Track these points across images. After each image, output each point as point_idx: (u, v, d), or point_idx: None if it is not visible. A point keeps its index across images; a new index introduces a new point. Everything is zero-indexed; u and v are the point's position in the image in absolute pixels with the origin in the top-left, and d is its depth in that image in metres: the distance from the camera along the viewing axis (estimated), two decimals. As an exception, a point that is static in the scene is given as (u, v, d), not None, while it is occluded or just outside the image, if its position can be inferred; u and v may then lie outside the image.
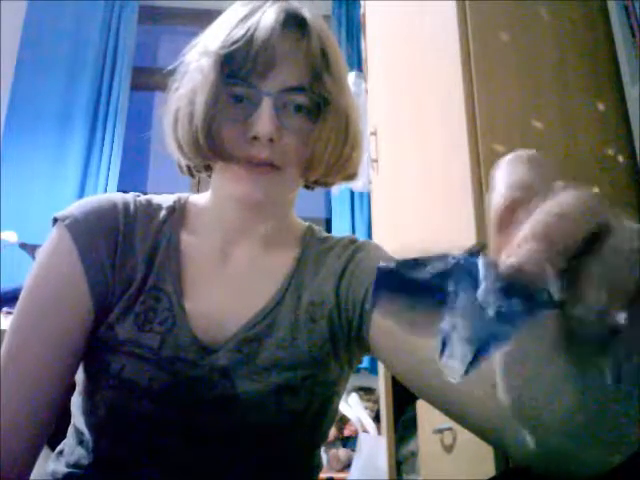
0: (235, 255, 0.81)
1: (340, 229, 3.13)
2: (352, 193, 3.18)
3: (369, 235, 2.74)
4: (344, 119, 0.77)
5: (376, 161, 2.12)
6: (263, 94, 0.72)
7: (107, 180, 3.07)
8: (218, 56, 0.72)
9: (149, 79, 3.39)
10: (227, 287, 0.79)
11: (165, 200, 0.83)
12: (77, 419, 0.78)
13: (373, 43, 2.30)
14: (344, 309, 0.78)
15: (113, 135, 3.15)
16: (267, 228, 0.82)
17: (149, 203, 0.81)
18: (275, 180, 0.74)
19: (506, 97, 1.50)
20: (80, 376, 0.78)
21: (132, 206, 0.79)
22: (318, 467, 0.84)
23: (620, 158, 1.49)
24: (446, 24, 1.61)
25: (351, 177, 0.83)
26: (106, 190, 3.04)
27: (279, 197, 0.78)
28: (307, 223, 0.88)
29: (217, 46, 0.73)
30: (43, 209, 2.88)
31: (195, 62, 0.76)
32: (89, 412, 0.75)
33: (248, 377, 0.73)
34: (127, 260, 0.75)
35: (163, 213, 0.80)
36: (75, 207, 0.77)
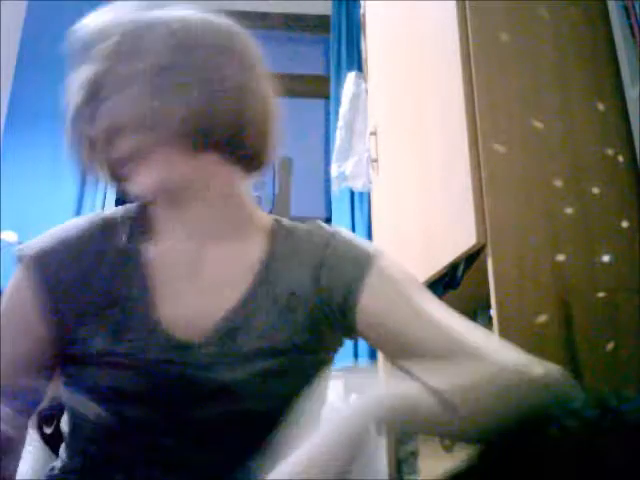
0: (202, 253, 0.81)
1: (340, 229, 3.13)
2: (352, 193, 3.18)
3: (369, 235, 2.74)
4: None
5: (376, 161, 2.12)
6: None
7: (107, 180, 3.06)
8: None
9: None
10: (199, 286, 0.80)
11: (127, 211, 0.85)
12: (66, 434, 0.81)
13: (373, 43, 2.30)
14: (325, 297, 0.79)
15: (113, 135, 3.14)
16: (224, 222, 0.82)
17: (112, 219, 0.83)
18: (133, 169, 0.76)
19: (506, 97, 1.50)
20: (64, 393, 0.80)
21: (91, 228, 0.82)
22: None
23: (620, 158, 1.49)
24: (446, 24, 1.61)
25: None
26: (106, 190, 3.03)
27: (156, 179, 0.77)
28: (274, 216, 0.89)
29: None
30: (43, 209, 2.88)
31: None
32: (77, 425, 0.78)
33: (230, 368, 0.75)
34: (92, 279, 0.78)
35: (127, 224, 0.83)
36: (38, 241, 0.81)
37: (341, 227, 0.87)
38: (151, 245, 0.82)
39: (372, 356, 2.81)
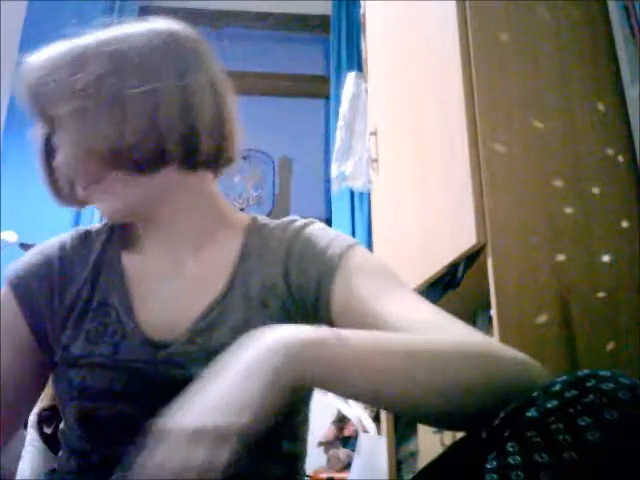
0: (179, 258, 0.83)
1: (340, 229, 3.13)
2: (352, 193, 3.18)
3: (369, 235, 2.74)
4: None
5: (376, 161, 2.12)
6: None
7: (107, 180, 3.06)
8: None
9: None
10: (175, 288, 0.82)
11: (105, 223, 0.89)
12: (63, 437, 0.83)
13: (373, 43, 2.30)
14: (296, 290, 0.80)
15: (113, 135, 3.14)
16: (196, 226, 0.83)
17: (87, 233, 0.88)
18: (95, 196, 0.80)
19: (506, 97, 1.50)
20: (57, 396, 0.83)
21: (69, 243, 0.86)
22: (301, 455, 0.84)
23: (620, 158, 1.49)
24: (446, 24, 1.61)
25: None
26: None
27: (119, 204, 0.80)
28: (251, 215, 0.89)
29: None
30: (43, 209, 2.87)
31: None
32: (68, 427, 0.80)
33: (204, 364, 0.75)
34: (67, 291, 0.82)
35: (102, 236, 0.86)
36: (19, 263, 0.85)
37: (316, 221, 0.87)
38: (130, 253, 0.85)
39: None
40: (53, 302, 0.82)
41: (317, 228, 0.84)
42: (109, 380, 0.75)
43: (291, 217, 0.88)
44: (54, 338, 0.81)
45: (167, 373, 0.76)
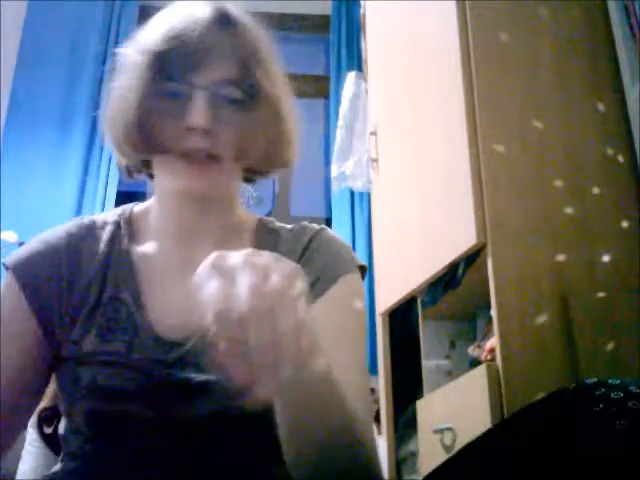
0: (190, 254, 0.81)
1: (340, 229, 3.13)
2: (352, 193, 3.17)
3: (369, 235, 2.74)
4: (276, 109, 0.81)
5: (376, 161, 2.12)
6: (197, 88, 0.75)
7: (107, 180, 3.06)
8: (153, 54, 0.76)
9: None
10: (187, 287, 0.80)
11: (110, 215, 0.86)
12: (64, 439, 0.81)
13: (373, 43, 2.30)
14: None
15: (113, 135, 3.15)
16: (216, 224, 0.83)
17: (93, 224, 0.84)
18: (214, 171, 0.77)
19: (506, 97, 1.50)
20: (60, 395, 0.80)
21: (75, 232, 0.83)
22: None
23: (620, 158, 1.49)
24: (446, 24, 1.61)
25: (286, 165, 0.86)
26: (106, 190, 3.03)
27: (220, 188, 0.81)
28: (257, 216, 0.89)
29: (152, 44, 0.76)
30: (43, 209, 2.88)
31: (131, 59, 0.78)
32: (72, 428, 0.78)
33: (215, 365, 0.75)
34: (76, 284, 0.79)
35: (109, 228, 0.83)
36: (21, 250, 0.82)
37: (325, 226, 0.87)
38: (140, 247, 0.83)
39: (373, 363, 2.82)
40: (62, 293, 0.79)
41: (330, 235, 0.85)
42: (120, 380, 0.73)
43: (302, 223, 0.87)
44: (61, 331, 0.78)
45: (179, 374, 0.74)
